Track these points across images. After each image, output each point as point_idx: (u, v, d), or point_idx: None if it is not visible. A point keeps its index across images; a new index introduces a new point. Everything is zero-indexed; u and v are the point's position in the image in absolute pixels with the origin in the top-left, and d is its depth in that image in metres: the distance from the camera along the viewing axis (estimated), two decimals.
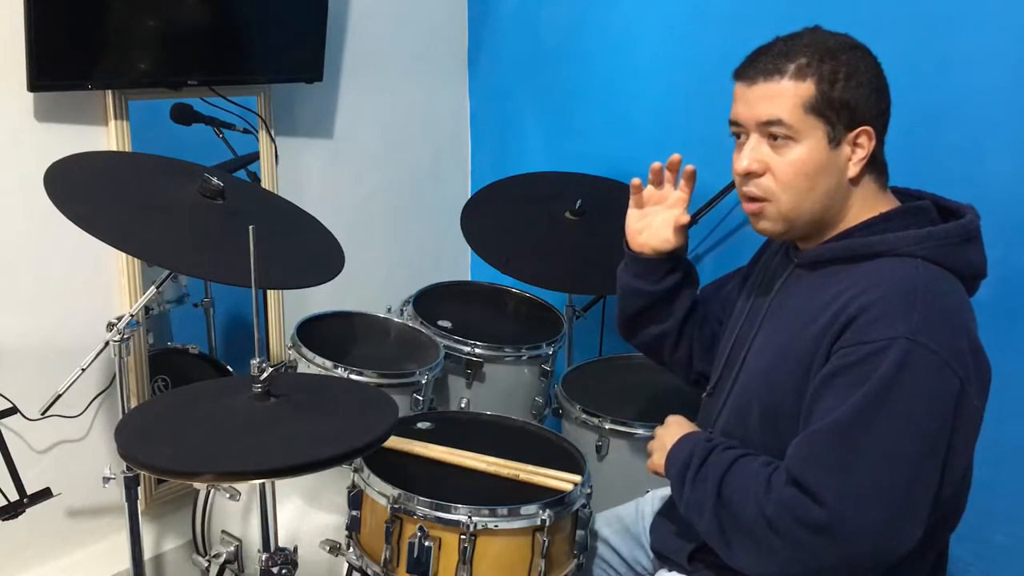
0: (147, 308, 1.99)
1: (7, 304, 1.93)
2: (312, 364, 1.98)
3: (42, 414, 1.80)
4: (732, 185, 2.18)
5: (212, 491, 1.91)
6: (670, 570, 1.50)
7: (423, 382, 2.04)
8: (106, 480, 1.71)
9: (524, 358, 2.26)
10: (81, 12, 1.86)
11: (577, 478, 1.61)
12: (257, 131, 2.33)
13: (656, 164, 1.58)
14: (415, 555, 1.51)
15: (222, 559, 1.86)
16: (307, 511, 1.83)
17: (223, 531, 1.89)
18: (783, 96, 1.28)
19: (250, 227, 1.35)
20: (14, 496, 1.75)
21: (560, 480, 1.61)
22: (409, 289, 2.46)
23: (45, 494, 1.81)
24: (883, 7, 1.97)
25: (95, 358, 1.72)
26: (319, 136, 2.52)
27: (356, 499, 1.61)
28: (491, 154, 2.92)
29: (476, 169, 2.96)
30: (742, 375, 1.43)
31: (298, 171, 2.46)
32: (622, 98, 2.53)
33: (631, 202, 1.60)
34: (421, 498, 1.51)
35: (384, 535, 1.53)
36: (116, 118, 2.01)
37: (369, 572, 1.59)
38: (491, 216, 2.34)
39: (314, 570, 1.77)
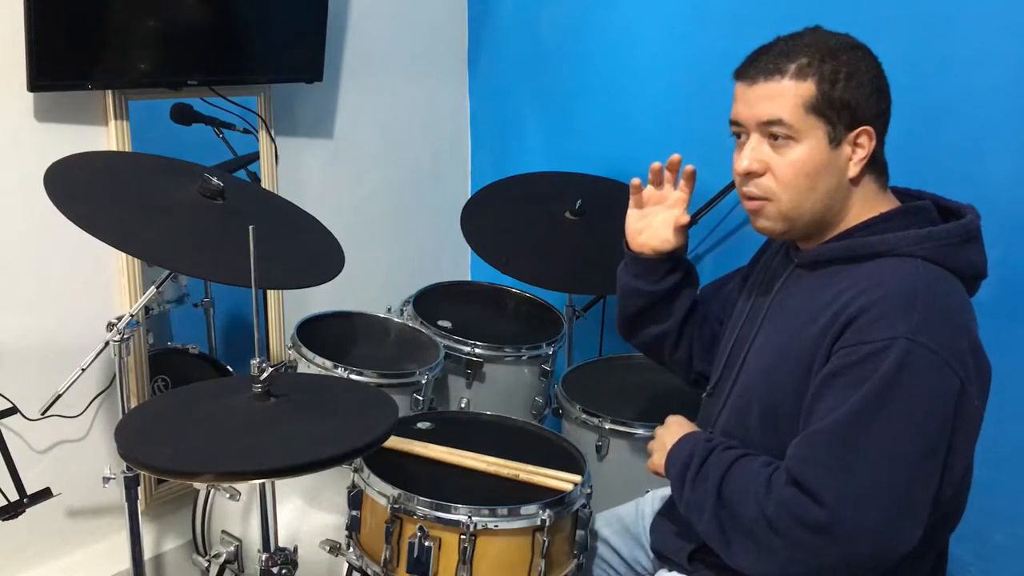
0: (147, 308, 1.99)
1: (7, 304, 1.93)
2: (312, 364, 1.98)
3: (42, 414, 1.80)
4: (732, 185, 2.18)
5: (212, 491, 1.91)
6: (670, 570, 1.50)
7: (423, 382, 2.04)
8: (106, 480, 1.71)
9: (524, 358, 2.26)
10: (81, 12, 1.86)
11: (577, 478, 1.61)
12: (257, 131, 2.33)
13: (656, 164, 1.58)
14: (415, 555, 1.51)
15: (222, 559, 1.86)
16: (307, 511, 1.83)
17: (223, 531, 1.89)
18: (784, 96, 1.28)
19: (250, 227, 1.35)
20: (14, 496, 1.75)
21: (560, 480, 1.61)
22: (409, 289, 2.46)
23: (45, 494, 1.81)
24: (884, 7, 1.97)
25: (95, 358, 1.72)
26: (319, 136, 2.52)
27: (356, 499, 1.61)
28: (491, 154, 2.92)
29: (476, 169, 2.96)
30: (742, 375, 1.43)
31: (298, 171, 2.46)
32: (622, 98, 2.53)
33: (631, 202, 1.60)
34: (421, 498, 1.51)
35: (384, 535, 1.53)
36: (116, 118, 2.01)
37: (369, 572, 1.59)
38: (491, 216, 2.34)
39: (314, 570, 1.77)
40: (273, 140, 2.36)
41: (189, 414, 1.40)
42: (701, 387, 1.59)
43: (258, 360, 1.40)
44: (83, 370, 1.72)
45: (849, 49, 1.29)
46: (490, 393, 2.25)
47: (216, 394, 1.49)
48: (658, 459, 1.45)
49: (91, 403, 2.05)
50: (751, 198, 1.34)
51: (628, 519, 1.69)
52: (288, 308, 2.43)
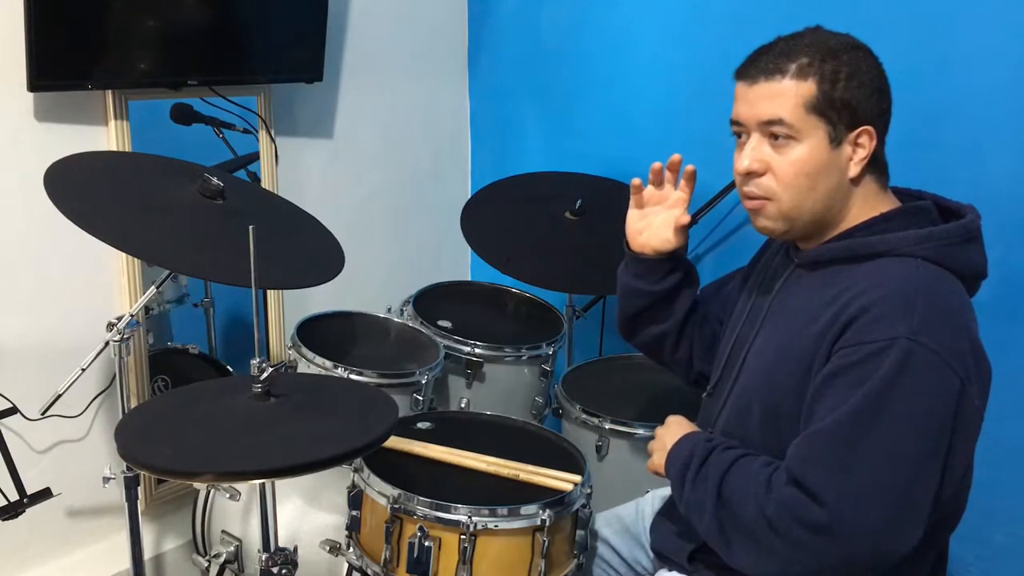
0: (147, 308, 1.99)
1: (7, 304, 1.93)
2: (312, 364, 1.98)
3: (42, 414, 1.79)
4: (732, 185, 2.18)
5: (212, 491, 1.91)
6: (670, 570, 1.50)
7: (423, 382, 2.04)
8: (106, 480, 1.71)
9: (524, 358, 2.26)
10: (81, 12, 1.85)
11: (577, 478, 1.61)
12: (257, 131, 2.33)
13: (656, 164, 1.58)
14: (415, 555, 1.51)
15: (222, 559, 1.86)
16: (307, 511, 1.83)
17: (223, 531, 1.89)
18: (784, 96, 1.28)
19: (250, 227, 1.36)
20: (14, 496, 1.75)
21: (560, 480, 1.61)
22: (409, 289, 2.46)
23: (45, 494, 1.81)
24: (884, 7, 1.97)
25: (95, 358, 1.72)
26: (319, 136, 2.52)
27: (356, 499, 1.61)
28: (491, 154, 2.92)
29: (476, 169, 2.96)
30: (742, 375, 1.43)
31: (298, 171, 2.46)
32: (622, 98, 2.53)
33: (631, 202, 1.60)
34: (421, 498, 1.51)
35: (384, 535, 1.53)
36: (116, 118, 2.01)
37: (369, 572, 1.59)
38: (491, 216, 2.34)
39: (314, 570, 1.77)
40: (273, 140, 2.36)
41: (189, 414, 1.40)
42: (701, 387, 1.59)
43: (258, 360, 1.40)
44: (83, 370, 1.72)
45: (850, 49, 1.29)
46: (490, 393, 2.25)
47: (216, 394, 1.49)
48: (658, 459, 1.45)
49: (91, 403, 2.05)
50: (751, 198, 1.34)
51: (628, 519, 1.69)
52: (288, 308, 2.43)
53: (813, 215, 1.32)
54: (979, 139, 1.89)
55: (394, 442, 1.66)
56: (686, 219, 1.55)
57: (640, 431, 1.95)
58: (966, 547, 1.95)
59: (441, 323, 2.28)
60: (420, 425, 1.80)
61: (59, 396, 1.76)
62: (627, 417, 1.98)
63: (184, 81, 2.10)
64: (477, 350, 2.22)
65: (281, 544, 1.62)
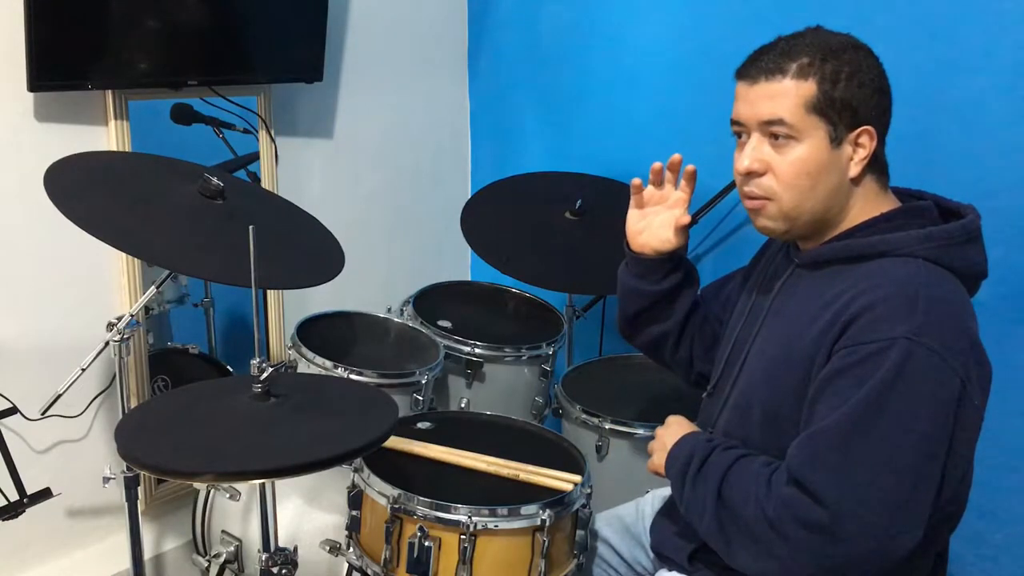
0: (147, 308, 1.99)
1: (7, 304, 1.93)
2: (312, 364, 1.98)
3: (42, 414, 1.79)
4: (732, 185, 2.19)
5: (212, 491, 1.91)
6: (670, 570, 1.50)
7: (423, 382, 2.04)
8: (106, 480, 1.71)
9: (524, 358, 2.26)
10: (81, 12, 1.85)
11: (577, 478, 1.61)
12: (257, 131, 2.33)
13: (657, 164, 1.58)
14: (415, 555, 1.51)
15: (222, 559, 1.86)
16: (307, 511, 1.83)
17: (223, 531, 1.89)
18: (785, 95, 1.28)
19: (250, 227, 1.36)
20: (14, 496, 1.75)
21: (560, 480, 1.61)
22: (409, 289, 2.46)
23: (45, 494, 1.81)
24: (885, 7, 1.97)
25: (95, 358, 1.72)
26: (319, 136, 2.52)
27: (356, 499, 1.61)
28: (491, 154, 2.92)
29: (476, 169, 2.96)
30: (743, 375, 1.43)
31: (298, 171, 2.46)
32: (622, 98, 2.53)
33: (632, 202, 1.60)
34: (421, 498, 1.51)
35: (384, 535, 1.53)
36: (116, 118, 2.01)
37: (369, 572, 1.59)
38: (491, 216, 2.34)
39: (314, 570, 1.77)
40: (273, 140, 2.36)
41: (189, 414, 1.40)
42: (702, 387, 1.59)
43: (258, 360, 1.40)
44: (83, 370, 1.72)
45: (850, 49, 1.29)
46: (490, 393, 2.25)
47: (216, 394, 1.49)
48: (658, 459, 1.45)
49: (91, 403, 2.05)
50: (752, 197, 1.34)
51: (628, 519, 1.69)
52: (288, 308, 2.43)
53: (813, 215, 1.32)
54: (979, 139, 1.89)
55: (394, 442, 1.66)
56: (686, 219, 1.55)
57: (640, 431, 1.95)
58: (966, 547, 1.95)
59: (441, 323, 2.28)
60: (420, 425, 1.80)
61: (59, 396, 1.76)
62: (627, 417, 1.98)
63: (184, 81, 2.10)
64: (477, 350, 2.22)
65: (281, 544, 1.62)
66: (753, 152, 1.32)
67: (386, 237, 2.75)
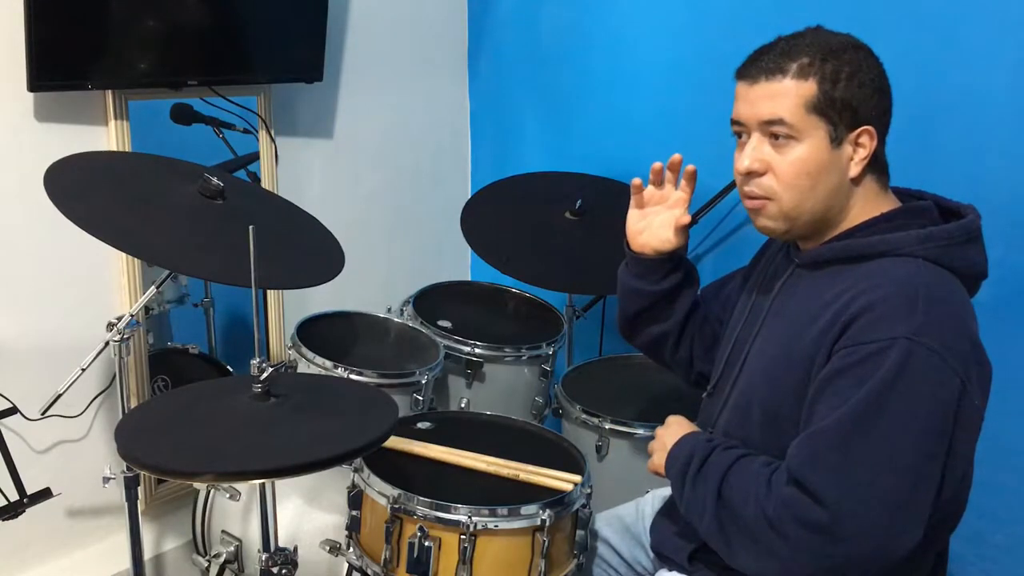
0: (147, 308, 1.99)
1: (7, 304, 1.93)
2: (312, 364, 1.98)
3: (42, 414, 1.79)
4: (732, 185, 2.18)
5: (212, 491, 1.91)
6: (670, 570, 1.50)
7: (423, 382, 2.04)
8: (106, 480, 1.71)
9: (524, 358, 2.26)
10: (81, 12, 1.85)
11: (577, 478, 1.61)
12: (257, 131, 2.33)
13: (657, 164, 1.58)
14: (415, 555, 1.51)
15: (222, 559, 1.86)
16: (307, 511, 1.83)
17: (223, 531, 1.89)
18: (785, 95, 1.28)
19: (250, 227, 1.36)
20: (14, 496, 1.75)
21: (560, 480, 1.61)
22: (409, 289, 2.46)
23: (45, 494, 1.81)
24: (885, 7, 1.97)
25: (95, 358, 1.72)
26: (319, 136, 2.52)
27: (356, 499, 1.61)
28: (491, 154, 2.92)
29: (476, 169, 2.96)
30: (743, 375, 1.43)
31: (298, 171, 2.46)
32: (622, 98, 2.53)
33: (632, 202, 1.60)
34: (421, 498, 1.51)
35: (384, 535, 1.53)
36: (116, 118, 2.01)
37: (369, 572, 1.59)
38: (491, 216, 2.34)
39: (314, 570, 1.77)
40: (273, 140, 2.36)
41: (189, 414, 1.40)
42: (702, 387, 1.59)
43: (258, 360, 1.40)
44: (83, 370, 1.72)
45: (851, 49, 1.29)
46: (490, 393, 2.25)
47: (216, 394, 1.49)
48: (658, 459, 1.45)
49: (91, 403, 2.05)
50: (752, 197, 1.34)
51: (628, 519, 1.69)
52: (288, 308, 2.43)
53: (814, 215, 1.32)
54: (979, 139, 1.89)
55: (394, 442, 1.66)
56: (686, 219, 1.55)
57: (640, 431, 1.95)
58: (966, 547, 1.95)
59: (441, 323, 2.28)
60: (420, 425, 1.80)
61: (59, 396, 1.76)
62: (627, 417, 1.98)
63: (184, 81, 2.10)
64: (477, 350, 2.22)
65: (281, 544, 1.62)
66: (753, 152, 1.32)
67: (386, 237, 2.75)
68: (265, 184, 2.35)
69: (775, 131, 1.29)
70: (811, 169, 1.29)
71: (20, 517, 1.76)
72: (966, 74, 1.89)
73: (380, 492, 1.55)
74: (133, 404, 1.95)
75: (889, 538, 1.18)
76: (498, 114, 2.86)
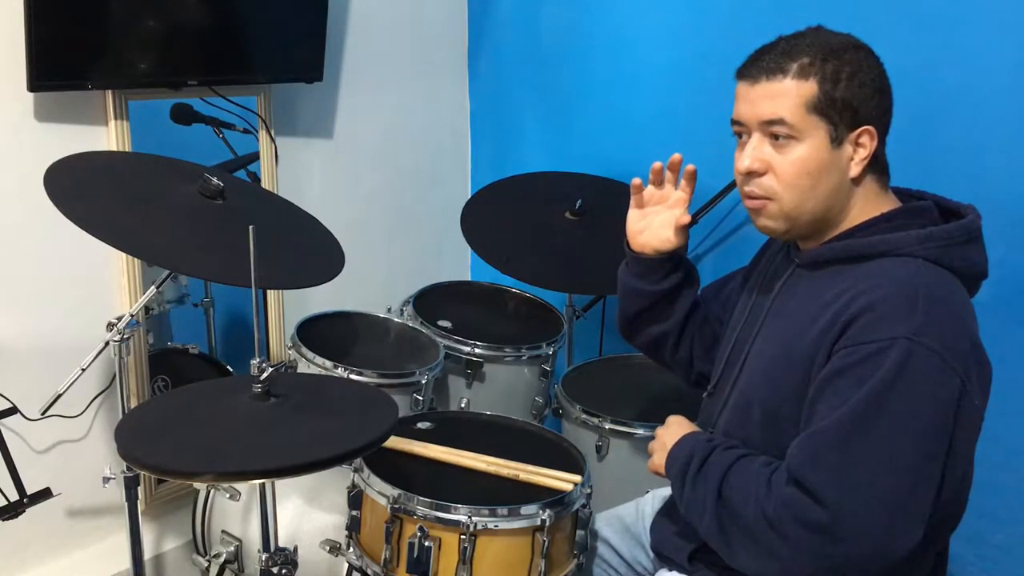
0: (147, 308, 1.99)
1: (7, 304, 1.93)
2: (312, 364, 1.98)
3: (42, 414, 1.79)
4: (732, 185, 2.18)
5: (212, 491, 1.91)
6: (670, 570, 1.50)
7: (423, 382, 2.04)
8: (106, 480, 1.71)
9: (524, 358, 2.26)
10: (81, 12, 1.85)
11: (577, 478, 1.61)
12: (257, 131, 2.33)
13: (657, 164, 1.58)
14: (415, 555, 1.51)
15: (222, 559, 1.86)
16: (307, 511, 1.83)
17: (223, 531, 1.89)
18: (785, 95, 1.28)
19: (250, 227, 1.35)
20: (14, 496, 1.75)
21: (560, 480, 1.61)
22: (409, 289, 2.46)
23: (45, 494, 1.81)
24: (885, 7, 1.97)
25: (95, 358, 1.72)
26: (319, 136, 2.52)
27: (356, 499, 1.61)
28: (491, 154, 2.92)
29: (476, 169, 2.96)
30: (743, 375, 1.43)
31: (298, 171, 2.46)
32: (622, 98, 2.53)
33: (632, 202, 1.60)
34: (421, 498, 1.51)
35: (384, 535, 1.53)
36: (116, 118, 2.01)
37: (369, 572, 1.59)
38: (491, 216, 2.34)
39: (314, 570, 1.77)
40: (273, 140, 2.36)
41: (189, 414, 1.40)
42: (702, 387, 1.59)
43: (258, 360, 1.40)
44: (83, 370, 1.72)
45: (851, 49, 1.29)
46: (490, 393, 2.25)
47: (216, 394, 1.49)
48: (658, 459, 1.45)
49: (91, 403, 2.05)
50: (753, 197, 1.34)
51: (628, 519, 1.69)
52: (288, 308, 2.43)
53: (814, 215, 1.32)
54: (979, 139, 1.89)
55: (394, 442, 1.66)
56: (686, 219, 1.55)
57: (640, 431, 1.95)
58: (966, 547, 1.95)
59: (441, 323, 2.28)
60: (420, 425, 1.80)
61: (59, 396, 1.76)
62: (627, 417, 1.98)
63: (184, 81, 2.10)
64: (477, 350, 2.22)
65: (281, 544, 1.62)
66: (754, 152, 1.32)
67: (386, 237, 2.75)
68: (265, 184, 2.35)
69: (775, 131, 1.29)
70: (811, 169, 1.29)
71: (20, 517, 1.76)
72: (966, 74, 1.89)
73: (380, 492, 1.55)
74: (133, 404, 1.95)
75: (889, 538, 1.18)
76: (498, 114, 2.86)
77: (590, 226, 2.27)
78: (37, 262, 1.97)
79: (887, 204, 1.34)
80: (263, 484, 1.56)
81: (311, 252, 1.86)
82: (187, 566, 2.14)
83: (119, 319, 1.69)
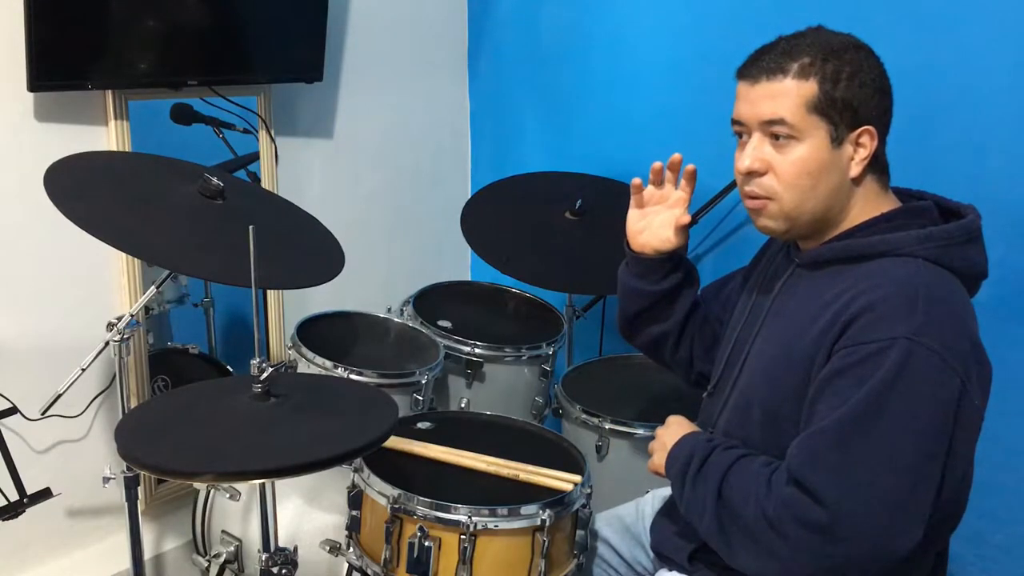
0: (147, 308, 1.99)
1: (7, 304, 1.93)
2: (312, 364, 1.98)
3: (42, 414, 1.79)
4: (732, 185, 2.18)
5: (212, 491, 1.91)
6: (670, 570, 1.50)
7: (423, 382, 2.04)
8: (106, 480, 1.71)
9: (524, 358, 2.26)
10: (81, 12, 1.85)
11: (577, 478, 1.61)
12: (257, 131, 2.33)
13: (657, 164, 1.58)
14: (415, 555, 1.51)
15: (222, 559, 1.86)
16: (307, 511, 1.83)
17: (223, 531, 1.89)
18: (786, 95, 1.28)
19: (250, 227, 1.35)
20: (14, 496, 1.75)
21: (560, 480, 1.61)
22: (409, 289, 2.46)
23: (45, 494, 1.81)
24: (885, 7, 1.97)
25: (95, 358, 1.72)
26: (319, 136, 2.52)
27: (356, 499, 1.61)
28: (491, 154, 2.92)
29: (476, 169, 2.96)
30: (743, 376, 1.43)
31: (298, 171, 2.46)
32: (622, 98, 2.53)
33: (632, 202, 1.60)
34: (421, 498, 1.51)
35: (384, 535, 1.53)
36: (116, 118, 2.01)
37: (369, 572, 1.59)
38: (491, 216, 2.34)
39: (314, 570, 1.77)
40: (273, 140, 2.36)
41: (189, 414, 1.40)
42: (702, 387, 1.59)
43: (258, 360, 1.40)
44: (83, 370, 1.72)
45: (852, 48, 1.29)
46: (490, 393, 2.25)
47: (216, 394, 1.49)
48: (658, 459, 1.45)
49: (91, 403, 2.05)
50: (753, 197, 1.34)
51: (628, 519, 1.69)
52: (288, 308, 2.43)
53: (814, 215, 1.32)
54: (979, 139, 1.89)
55: (394, 442, 1.66)
56: (686, 219, 1.55)
57: (640, 431, 1.95)
58: (966, 547, 1.95)
59: (441, 323, 2.28)
60: (420, 425, 1.80)
61: (59, 396, 1.76)
62: (627, 417, 1.98)
63: (184, 81, 2.10)
64: (477, 350, 2.22)
65: (281, 544, 1.62)
66: (754, 152, 1.32)
67: (386, 237, 2.75)
68: (265, 184, 2.35)
69: (776, 131, 1.29)
70: (812, 169, 1.29)
71: (20, 517, 1.76)
72: (966, 74, 1.89)
73: (380, 492, 1.55)
74: (133, 404, 1.95)
75: (889, 538, 1.18)
76: (498, 114, 2.86)
77: (590, 226, 2.27)
78: (37, 262, 1.97)
79: (887, 204, 1.34)
80: (263, 484, 1.56)
81: (311, 252, 1.86)
82: (187, 566, 2.14)
83: (119, 319, 1.69)
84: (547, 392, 2.33)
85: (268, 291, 2.38)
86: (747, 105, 1.32)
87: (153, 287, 1.72)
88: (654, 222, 1.57)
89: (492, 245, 2.27)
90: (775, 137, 1.30)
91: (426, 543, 1.50)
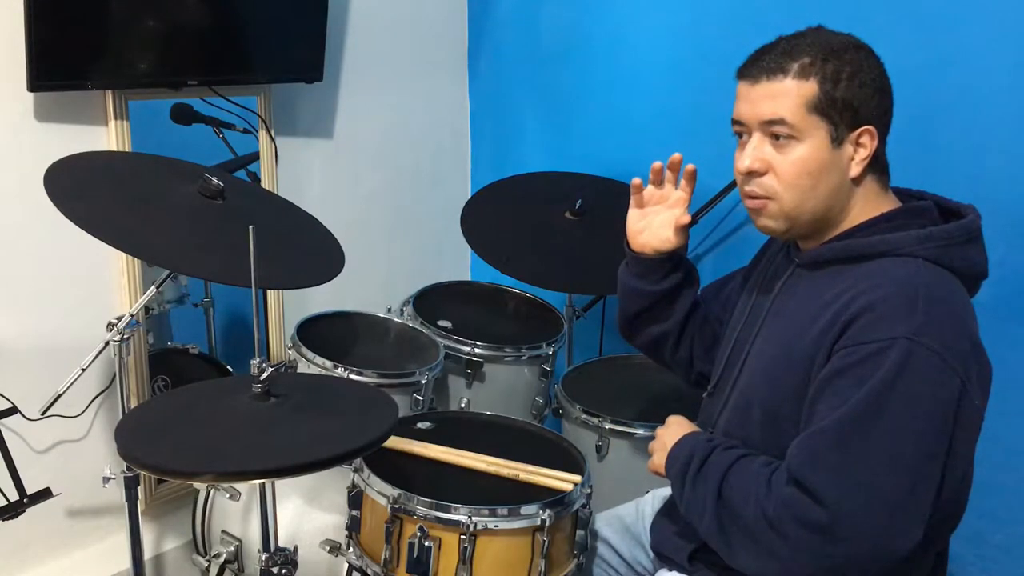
0: (147, 308, 1.99)
1: (7, 304, 1.93)
2: (312, 364, 1.98)
3: (42, 414, 1.79)
4: (732, 185, 2.18)
5: (212, 491, 1.91)
6: (670, 570, 1.50)
7: (423, 382, 2.04)
8: (106, 480, 1.71)
9: (524, 358, 2.26)
10: (81, 12, 1.85)
11: (577, 478, 1.61)
12: (257, 131, 2.33)
13: (657, 164, 1.58)
14: (415, 555, 1.51)
15: (222, 559, 1.86)
16: (307, 511, 1.83)
17: (223, 531, 1.89)
18: (786, 95, 1.28)
19: (250, 227, 1.36)
20: (14, 496, 1.75)
21: (560, 480, 1.61)
22: (409, 289, 2.46)
23: (45, 494, 1.81)
24: (886, 7, 1.97)
25: (95, 358, 1.72)
26: (319, 136, 2.52)
27: (356, 499, 1.61)
28: (491, 154, 2.92)
29: (476, 169, 2.96)
30: (743, 376, 1.43)
31: (298, 171, 2.46)
32: (622, 98, 2.53)
33: (632, 202, 1.60)
34: (421, 498, 1.51)
35: (384, 535, 1.53)
36: (116, 118, 2.01)
37: (369, 572, 1.59)
38: (491, 216, 2.34)
39: (314, 570, 1.77)
40: (273, 140, 2.36)
41: (189, 414, 1.40)
42: (702, 387, 1.59)
43: (258, 360, 1.40)
44: (83, 370, 1.72)
45: (852, 48, 1.29)
46: (490, 393, 2.25)
47: (216, 394, 1.49)
48: (658, 459, 1.45)
49: (91, 403, 2.05)
50: (753, 197, 1.34)
51: (628, 519, 1.69)
52: (288, 308, 2.43)
53: (814, 215, 1.32)
54: (979, 139, 1.89)
55: (394, 442, 1.66)
56: (686, 219, 1.55)
57: (640, 431, 1.95)
58: (966, 547, 1.95)
59: (441, 323, 2.28)
60: (420, 425, 1.80)
61: (59, 396, 1.76)
62: (627, 417, 1.98)
63: (184, 81, 2.10)
64: (477, 350, 2.22)
65: (281, 544, 1.62)
66: (754, 151, 1.32)
67: (386, 237, 2.75)
68: (265, 184, 2.35)
69: (776, 131, 1.29)
70: (812, 169, 1.29)
71: (20, 517, 1.76)
72: (966, 74, 1.89)
73: (380, 492, 1.55)
74: (133, 404, 1.95)
75: (889, 538, 1.18)
76: (498, 114, 2.86)
77: (590, 226, 2.27)
78: (37, 262, 1.97)
79: (887, 204, 1.34)
80: (263, 484, 1.56)
81: (311, 252, 1.86)
82: (187, 566, 2.14)
83: (119, 319, 1.69)
84: (547, 392, 2.33)
85: (268, 291, 2.38)
86: (747, 105, 1.32)
87: (153, 287, 1.72)
88: (654, 222, 1.57)
89: (492, 245, 2.27)
90: (775, 137, 1.30)
91: (426, 543, 1.50)
